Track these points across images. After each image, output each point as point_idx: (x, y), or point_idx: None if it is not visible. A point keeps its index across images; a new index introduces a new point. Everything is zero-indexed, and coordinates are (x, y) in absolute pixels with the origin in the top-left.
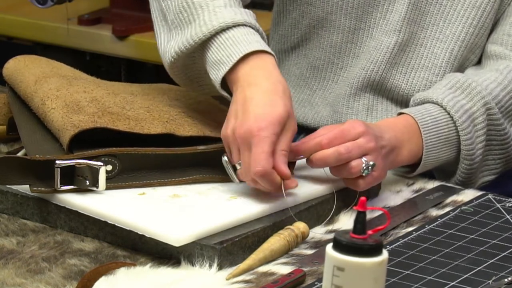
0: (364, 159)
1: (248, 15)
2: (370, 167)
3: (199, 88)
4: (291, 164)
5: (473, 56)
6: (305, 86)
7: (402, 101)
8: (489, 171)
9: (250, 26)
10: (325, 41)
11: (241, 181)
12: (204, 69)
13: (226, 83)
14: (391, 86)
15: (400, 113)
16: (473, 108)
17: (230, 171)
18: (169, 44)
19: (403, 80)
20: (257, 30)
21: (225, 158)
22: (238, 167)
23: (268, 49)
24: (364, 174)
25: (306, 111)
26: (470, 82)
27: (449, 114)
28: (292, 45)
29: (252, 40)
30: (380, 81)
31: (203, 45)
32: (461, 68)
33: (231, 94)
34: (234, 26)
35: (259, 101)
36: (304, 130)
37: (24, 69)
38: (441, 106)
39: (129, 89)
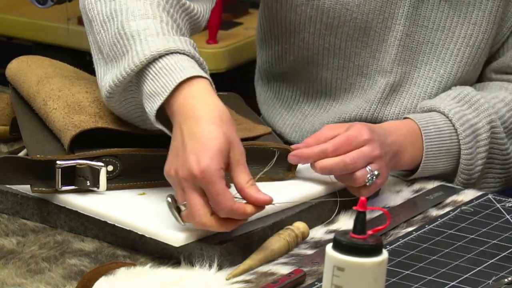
0: (369, 168)
1: (182, 42)
2: (374, 177)
3: (141, 122)
4: (293, 167)
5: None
6: (297, 110)
7: None
8: (487, 188)
9: (183, 53)
10: (314, 76)
11: (185, 223)
12: (141, 104)
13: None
14: None
15: (405, 118)
16: (478, 124)
17: (174, 212)
18: (105, 77)
19: (396, 120)
20: (193, 57)
21: (168, 199)
22: (182, 208)
23: (203, 74)
24: (368, 184)
25: (298, 136)
26: (479, 98)
27: (453, 126)
28: (281, 73)
29: (185, 67)
30: (372, 120)
31: (138, 76)
32: None
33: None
34: (167, 54)
35: (196, 135)
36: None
37: (27, 69)
38: (447, 117)
39: None
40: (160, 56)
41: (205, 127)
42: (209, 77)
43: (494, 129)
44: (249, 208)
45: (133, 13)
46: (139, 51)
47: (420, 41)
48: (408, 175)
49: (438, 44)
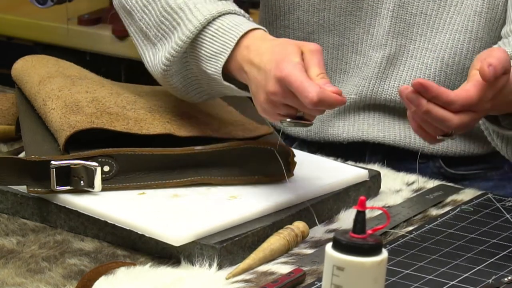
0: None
1: (230, 4)
2: (452, 137)
3: (197, 96)
4: (291, 167)
5: (457, 58)
6: None
7: (397, 112)
8: None
9: (234, 13)
10: None
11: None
12: (199, 72)
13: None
14: (385, 100)
15: None
16: None
17: (298, 123)
18: (157, 56)
19: (396, 93)
20: (243, 15)
21: (287, 119)
22: (300, 115)
23: (256, 26)
24: (439, 138)
25: (297, 128)
26: None
27: None
28: None
29: (240, 22)
30: (372, 96)
31: (194, 44)
32: (458, 77)
33: (237, 84)
34: (220, 16)
35: (268, 59)
36: (297, 140)
37: (31, 69)
38: None
39: (138, 90)
40: (214, 19)
41: (276, 48)
42: (261, 27)
43: None
44: (336, 91)
45: None
46: (191, 18)
47: (414, 13)
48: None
49: (431, 14)
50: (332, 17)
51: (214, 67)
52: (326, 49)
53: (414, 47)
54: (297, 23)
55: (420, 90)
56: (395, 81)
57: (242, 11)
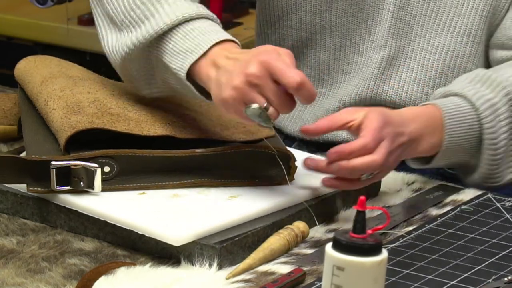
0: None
1: (206, 10)
2: (371, 175)
3: (147, 89)
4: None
5: (473, 66)
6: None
7: None
8: None
9: (211, 19)
10: (312, 59)
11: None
12: (158, 65)
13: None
14: (384, 101)
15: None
16: (495, 99)
17: (264, 113)
18: (120, 40)
19: (396, 94)
20: (218, 24)
21: (253, 105)
22: (268, 107)
23: (235, 39)
24: (362, 179)
25: (297, 127)
26: (490, 74)
27: (470, 102)
28: None
29: (217, 30)
30: (372, 97)
31: (163, 37)
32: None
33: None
34: (198, 18)
35: (248, 54)
36: (296, 139)
37: (33, 69)
38: (463, 97)
39: None
40: (192, 19)
41: (249, 52)
42: (238, 42)
43: None
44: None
45: None
46: (168, 12)
47: (413, 14)
48: (427, 162)
49: (430, 16)
50: (334, 18)
51: (180, 64)
52: (328, 50)
53: (413, 48)
54: (300, 23)
55: (335, 157)
56: (394, 82)
57: (217, 19)
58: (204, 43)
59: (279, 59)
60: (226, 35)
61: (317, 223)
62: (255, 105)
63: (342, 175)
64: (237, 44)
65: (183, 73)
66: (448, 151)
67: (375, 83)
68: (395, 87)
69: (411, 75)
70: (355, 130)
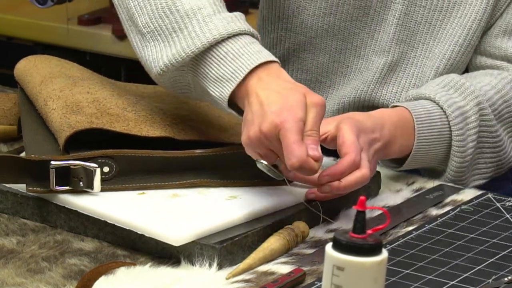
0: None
1: (239, 20)
2: None
3: (182, 95)
4: None
5: (460, 73)
6: None
7: None
8: (479, 175)
9: (246, 33)
10: (309, 63)
11: (288, 181)
12: (193, 82)
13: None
14: (382, 105)
15: (395, 106)
16: (466, 107)
17: (272, 169)
18: (149, 52)
19: (394, 99)
20: (253, 36)
21: (262, 161)
22: (278, 164)
23: (273, 58)
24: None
25: None
26: (464, 82)
27: (442, 108)
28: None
29: (253, 51)
30: (370, 100)
31: (196, 58)
32: None
33: (236, 110)
34: (230, 37)
35: (275, 100)
36: None
37: (33, 69)
38: (434, 102)
39: (141, 91)
40: (223, 39)
41: (282, 92)
42: (276, 59)
43: (482, 111)
44: (317, 165)
45: None
46: (198, 32)
47: (418, 21)
48: (398, 166)
49: (435, 24)
50: (337, 22)
51: (219, 92)
52: (328, 53)
53: (415, 55)
54: (300, 27)
55: (328, 180)
56: (393, 87)
57: (253, 30)
58: (241, 69)
59: (294, 128)
60: (263, 57)
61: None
62: (264, 162)
63: (336, 194)
64: (277, 63)
65: (224, 102)
66: (418, 155)
67: (374, 86)
68: (393, 91)
69: (410, 81)
70: (330, 143)
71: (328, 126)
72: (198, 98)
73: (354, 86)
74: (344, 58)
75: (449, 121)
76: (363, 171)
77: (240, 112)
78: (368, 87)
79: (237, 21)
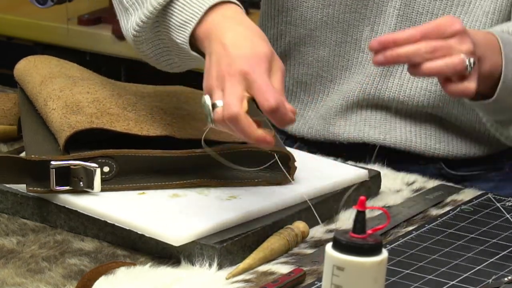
0: (463, 55)
1: None
2: (472, 65)
3: (168, 66)
4: (291, 171)
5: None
6: (295, 101)
7: (400, 111)
8: None
9: None
10: (310, 56)
11: (215, 124)
12: (170, 42)
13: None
14: (388, 98)
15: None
16: None
17: (208, 108)
18: (129, 22)
19: (400, 91)
20: None
21: (205, 97)
22: (219, 105)
23: (236, 1)
24: (468, 71)
25: (299, 125)
26: None
27: None
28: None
29: None
30: (375, 93)
31: (165, 12)
32: None
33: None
34: None
35: (240, 43)
36: (299, 140)
37: (33, 69)
38: (509, 33)
39: (141, 91)
40: None
41: (248, 37)
42: (238, 2)
43: None
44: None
45: None
46: None
47: (419, 11)
48: (487, 97)
49: (437, 13)
50: (336, 14)
51: (182, 36)
52: (328, 46)
53: None
54: (300, 19)
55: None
56: (399, 79)
57: None
58: (198, 10)
59: (264, 75)
60: None
61: (320, 222)
62: (207, 97)
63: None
64: (236, 4)
65: (186, 45)
66: (508, 80)
67: (379, 79)
68: (399, 83)
69: None
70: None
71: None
72: (180, 63)
73: (357, 80)
74: (344, 51)
75: None
76: (455, 57)
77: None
78: (373, 81)
79: None
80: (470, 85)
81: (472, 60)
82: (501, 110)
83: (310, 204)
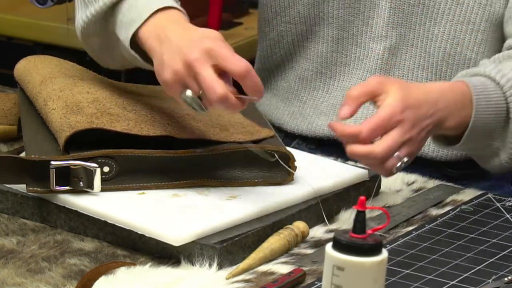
0: (397, 154)
1: None
2: (403, 165)
3: (111, 62)
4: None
5: (473, 54)
6: (294, 99)
7: None
8: None
9: None
10: (311, 51)
11: (208, 109)
12: (114, 39)
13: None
14: None
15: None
16: None
17: (196, 100)
18: (80, 14)
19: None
20: None
21: (187, 92)
22: (203, 97)
23: (179, 7)
24: (395, 172)
25: (298, 122)
26: (509, 53)
27: (494, 81)
28: (276, 63)
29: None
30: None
31: (113, 10)
32: (460, 68)
33: (142, 55)
34: None
35: (190, 33)
36: (297, 137)
37: (33, 69)
38: (485, 76)
39: (140, 91)
40: None
41: (191, 30)
42: (182, 9)
43: None
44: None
45: None
46: None
47: (411, 3)
48: (455, 142)
49: (429, 5)
50: (331, 10)
51: (125, 34)
52: (326, 42)
53: (415, 36)
54: (298, 17)
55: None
56: (399, 70)
57: None
58: (145, 11)
59: (225, 47)
60: (170, 2)
61: (327, 222)
62: (189, 92)
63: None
64: (183, 13)
65: (127, 43)
66: (476, 129)
67: (379, 73)
68: (400, 75)
69: (415, 62)
70: (362, 97)
71: (370, 79)
72: (123, 61)
73: (358, 75)
74: (342, 47)
75: (504, 93)
76: (371, 147)
77: (143, 56)
78: (374, 75)
79: None
80: (375, 148)
81: (405, 160)
82: (472, 148)
83: (319, 200)
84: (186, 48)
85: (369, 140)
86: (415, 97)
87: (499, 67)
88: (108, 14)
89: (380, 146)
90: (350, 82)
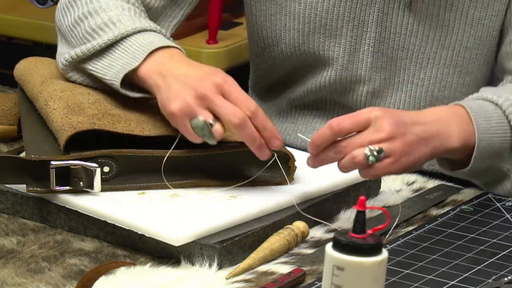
0: (369, 147)
1: (149, 21)
2: (376, 153)
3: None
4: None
5: (462, 96)
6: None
7: None
8: None
9: (150, 30)
10: (300, 89)
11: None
12: (92, 77)
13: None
14: (389, 105)
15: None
16: None
17: (208, 129)
18: (62, 50)
19: (400, 101)
20: (159, 32)
21: (199, 118)
22: (214, 123)
23: (176, 45)
24: (370, 162)
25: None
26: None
27: (492, 102)
28: (267, 89)
29: (154, 40)
30: (377, 102)
31: (106, 52)
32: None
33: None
34: (136, 33)
35: (196, 68)
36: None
37: (33, 69)
38: (482, 99)
39: None
40: (129, 35)
41: (195, 65)
42: (179, 46)
43: None
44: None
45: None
46: (108, 32)
47: (395, 48)
48: (463, 166)
49: (413, 49)
50: (312, 51)
51: (114, 74)
52: (311, 84)
53: (399, 80)
54: (282, 55)
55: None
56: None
57: (160, 29)
58: (143, 50)
59: (234, 83)
60: (169, 42)
61: (325, 222)
62: (201, 117)
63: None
64: (181, 50)
65: (116, 83)
66: (482, 149)
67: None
68: (399, 97)
69: (399, 107)
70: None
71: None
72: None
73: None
74: (337, 84)
75: (504, 111)
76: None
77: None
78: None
79: (146, 21)
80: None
81: (377, 148)
82: (482, 171)
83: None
84: (196, 82)
85: (338, 129)
86: (406, 117)
87: (494, 90)
88: (91, 57)
89: (357, 152)
90: (352, 103)
